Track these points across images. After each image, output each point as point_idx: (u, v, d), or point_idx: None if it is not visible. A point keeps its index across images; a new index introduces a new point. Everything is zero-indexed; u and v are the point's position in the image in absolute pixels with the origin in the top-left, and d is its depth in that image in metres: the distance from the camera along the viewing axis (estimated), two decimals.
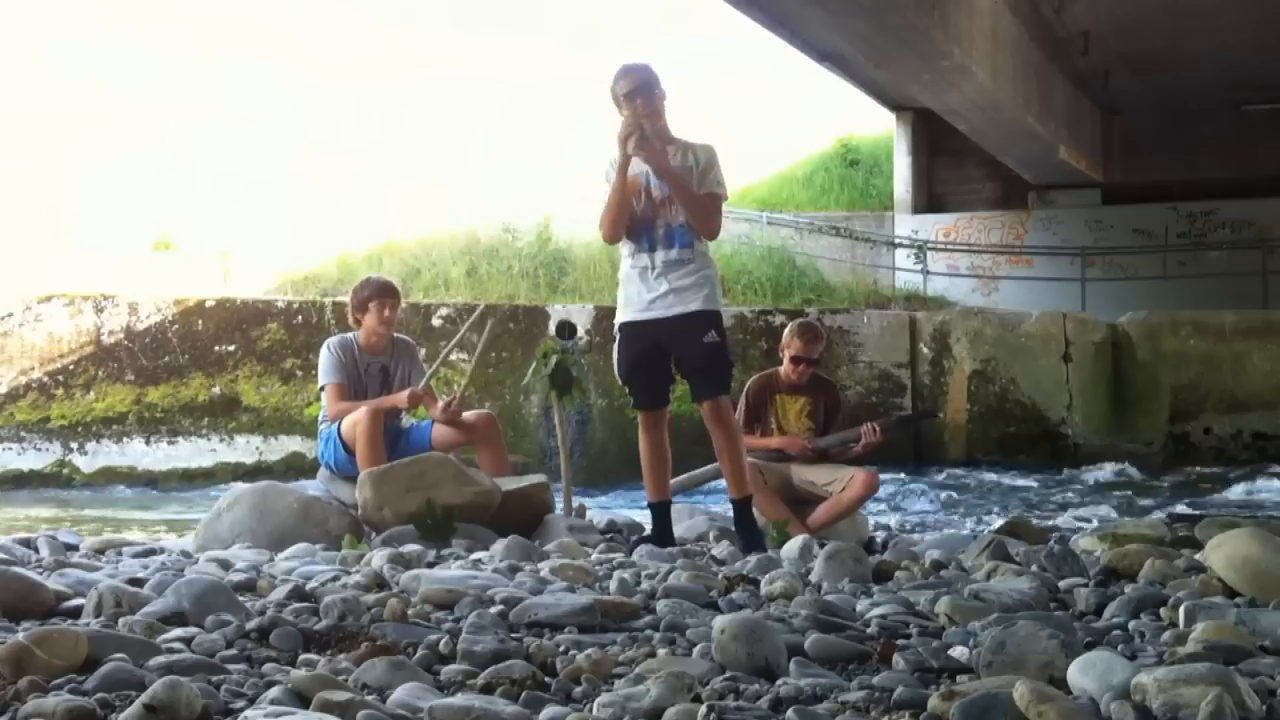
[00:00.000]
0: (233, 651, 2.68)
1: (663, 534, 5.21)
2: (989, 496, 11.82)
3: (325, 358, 6.11)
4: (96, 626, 2.77)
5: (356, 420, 5.75)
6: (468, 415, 6.12)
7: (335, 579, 3.60)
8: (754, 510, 5.29)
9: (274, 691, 2.26)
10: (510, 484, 5.38)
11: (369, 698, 2.26)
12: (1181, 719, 2.03)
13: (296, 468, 11.88)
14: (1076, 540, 5.16)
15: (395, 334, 6.32)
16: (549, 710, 2.23)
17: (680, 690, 2.24)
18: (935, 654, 2.64)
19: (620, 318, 5.21)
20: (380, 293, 6.12)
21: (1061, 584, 3.64)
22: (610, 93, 5.10)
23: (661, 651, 2.73)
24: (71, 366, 12.49)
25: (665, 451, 5.22)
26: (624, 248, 5.21)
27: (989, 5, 13.97)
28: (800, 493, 6.27)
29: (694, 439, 5.07)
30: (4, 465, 12.09)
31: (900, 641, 2.82)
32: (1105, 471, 13.52)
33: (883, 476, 7.03)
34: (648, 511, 5.39)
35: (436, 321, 13.19)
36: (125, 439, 12.45)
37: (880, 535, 6.57)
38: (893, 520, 9.04)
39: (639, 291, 5.12)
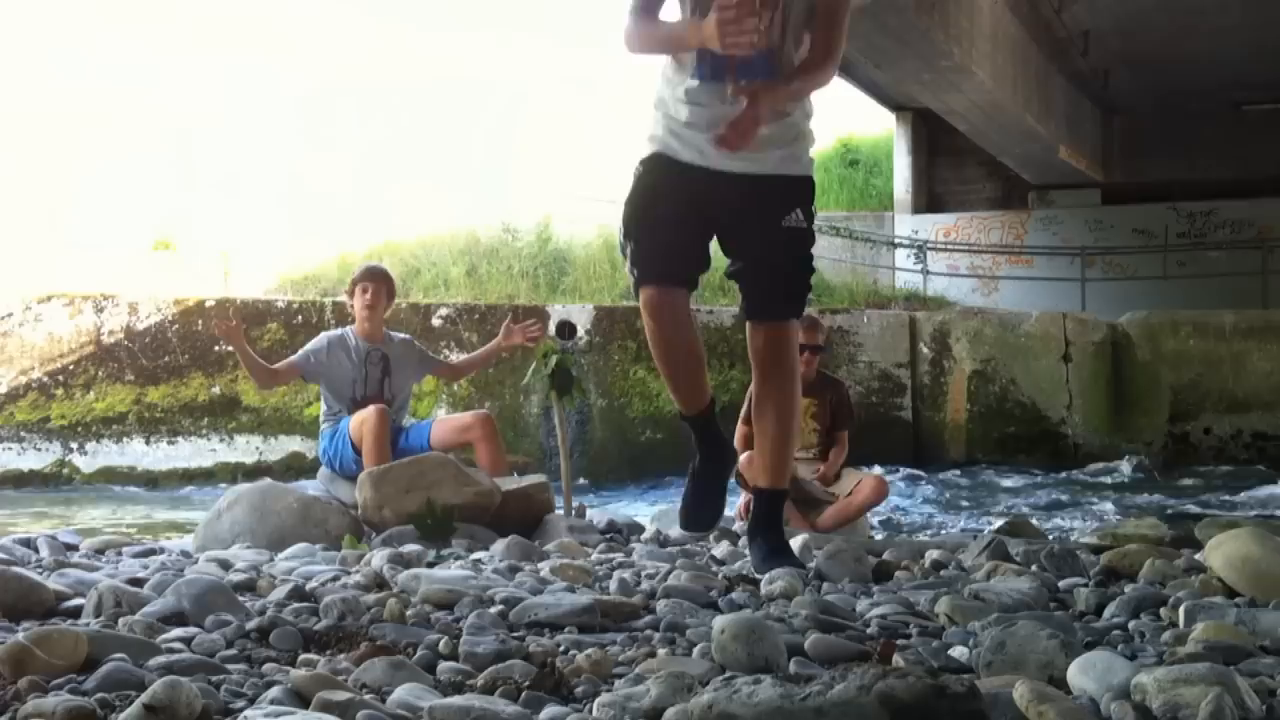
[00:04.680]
0: (233, 651, 2.68)
1: (711, 452, 3.74)
2: (989, 496, 11.81)
3: (309, 344, 6.20)
4: (96, 626, 2.77)
5: (364, 418, 5.81)
6: (466, 415, 6.14)
7: (335, 579, 3.59)
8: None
9: (274, 691, 2.26)
10: (510, 484, 5.38)
11: (369, 698, 2.26)
12: (1181, 719, 2.03)
13: (296, 468, 11.89)
14: (1076, 540, 5.16)
15: (392, 331, 6.37)
16: (549, 710, 2.23)
17: (680, 690, 2.24)
18: (935, 654, 2.64)
19: (653, 147, 3.50)
20: (362, 276, 6.24)
21: (1061, 584, 3.63)
22: None
23: (661, 651, 2.72)
24: (71, 366, 12.49)
25: (692, 349, 3.69)
26: (664, 69, 3.54)
27: (989, 6, 13.97)
28: (807, 493, 6.24)
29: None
30: (4, 465, 12.09)
31: (900, 641, 2.81)
32: (1105, 471, 13.51)
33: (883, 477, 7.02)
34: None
35: (436, 321, 13.18)
36: (125, 439, 12.45)
37: (880, 535, 6.57)
38: (893, 520, 9.04)
39: (695, 117, 3.37)
